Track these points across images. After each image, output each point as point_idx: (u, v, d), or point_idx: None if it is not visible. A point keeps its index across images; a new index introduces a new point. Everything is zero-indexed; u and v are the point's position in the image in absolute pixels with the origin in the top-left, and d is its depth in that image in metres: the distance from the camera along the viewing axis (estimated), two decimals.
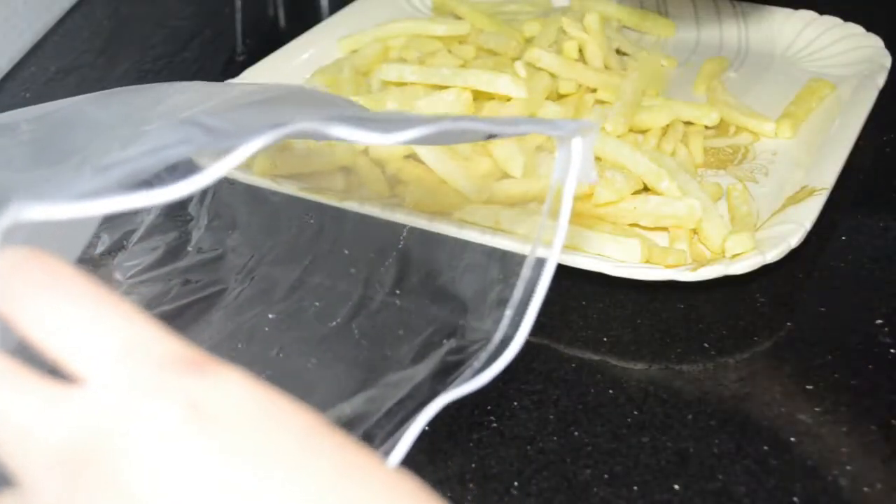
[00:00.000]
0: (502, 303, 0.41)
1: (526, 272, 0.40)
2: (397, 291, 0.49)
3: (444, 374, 0.42)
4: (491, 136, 0.35)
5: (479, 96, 0.59)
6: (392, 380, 0.43)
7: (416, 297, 0.48)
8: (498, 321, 0.41)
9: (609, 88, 0.61)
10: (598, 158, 0.55)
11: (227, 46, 0.77)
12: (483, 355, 0.41)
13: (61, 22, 0.79)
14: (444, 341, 0.45)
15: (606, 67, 0.63)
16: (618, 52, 0.66)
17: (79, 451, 0.22)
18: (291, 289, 0.49)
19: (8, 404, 0.22)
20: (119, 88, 0.39)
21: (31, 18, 0.76)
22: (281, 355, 0.45)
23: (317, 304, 0.48)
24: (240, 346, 0.46)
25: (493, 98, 0.59)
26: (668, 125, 0.59)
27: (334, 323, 0.47)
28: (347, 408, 0.41)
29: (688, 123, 0.59)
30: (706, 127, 0.59)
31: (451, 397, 0.37)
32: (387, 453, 0.35)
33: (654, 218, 0.51)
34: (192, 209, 0.55)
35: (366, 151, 0.56)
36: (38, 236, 0.24)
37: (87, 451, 0.22)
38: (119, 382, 0.22)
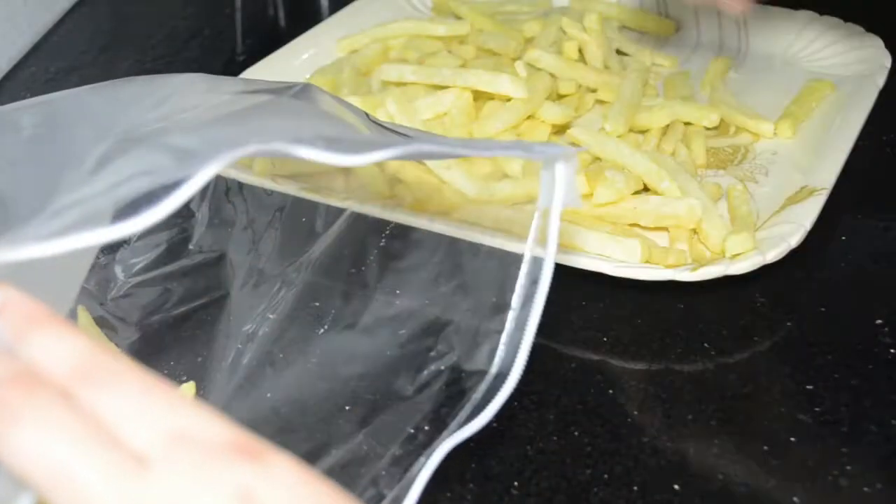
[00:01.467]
0: (497, 333, 0.41)
1: (517, 302, 0.40)
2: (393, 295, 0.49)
3: (445, 410, 0.42)
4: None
5: (480, 96, 0.59)
6: (393, 414, 0.42)
7: (410, 319, 0.48)
8: (493, 351, 0.41)
9: (609, 88, 0.61)
10: (598, 158, 0.55)
11: (227, 46, 0.77)
12: (482, 387, 0.41)
13: (61, 22, 0.79)
14: (443, 367, 0.44)
15: (606, 67, 0.63)
16: (618, 52, 0.66)
17: None
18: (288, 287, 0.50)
19: (78, 463, 0.22)
20: (123, 80, 0.39)
21: (31, 18, 0.76)
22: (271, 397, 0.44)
23: (315, 304, 0.48)
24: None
25: (493, 98, 0.59)
26: (667, 125, 0.59)
27: (322, 330, 0.47)
28: (348, 453, 0.41)
29: (687, 124, 0.59)
30: (706, 128, 0.59)
31: (453, 442, 0.37)
32: (397, 500, 0.36)
33: (654, 218, 0.51)
34: (193, 205, 0.55)
35: None
36: (35, 284, 0.25)
37: None
38: (174, 467, 0.23)
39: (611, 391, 0.44)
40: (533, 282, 0.39)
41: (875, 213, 0.55)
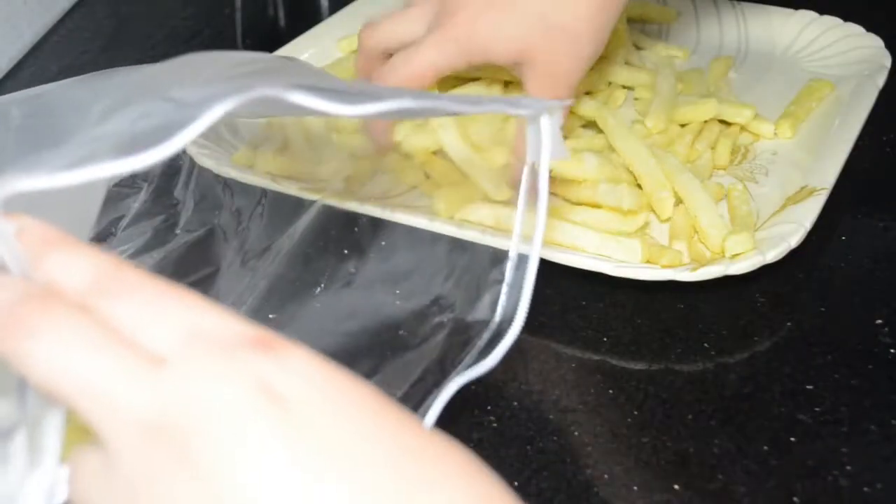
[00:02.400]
0: (497, 282, 0.41)
1: (514, 252, 0.41)
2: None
3: (451, 356, 0.43)
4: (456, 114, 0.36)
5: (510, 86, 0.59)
6: (400, 363, 0.43)
7: (410, 277, 0.49)
8: (495, 301, 0.42)
9: (642, 84, 0.61)
10: (613, 149, 0.55)
11: (227, 46, 0.77)
12: (486, 334, 0.41)
13: (61, 22, 0.79)
14: (445, 320, 0.45)
15: (627, 63, 0.63)
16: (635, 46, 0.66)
17: (157, 425, 0.23)
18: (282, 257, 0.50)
19: (99, 368, 0.23)
20: (114, 69, 0.39)
21: (31, 18, 0.76)
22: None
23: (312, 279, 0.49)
24: None
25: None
26: (705, 123, 0.58)
27: (318, 290, 0.47)
28: None
29: (721, 122, 0.59)
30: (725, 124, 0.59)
31: (462, 381, 0.37)
32: None
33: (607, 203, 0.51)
34: (178, 193, 0.56)
35: (396, 147, 0.57)
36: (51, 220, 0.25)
37: (164, 427, 0.22)
38: (192, 363, 0.23)
39: (611, 391, 0.44)
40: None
41: (875, 213, 0.55)
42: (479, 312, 0.44)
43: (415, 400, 0.40)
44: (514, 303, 0.38)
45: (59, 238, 0.25)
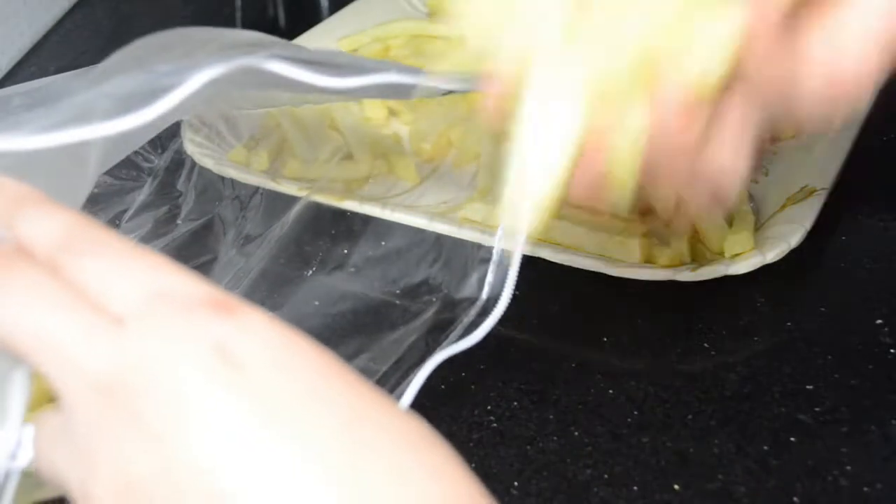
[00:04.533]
0: (485, 261, 0.42)
1: (501, 230, 0.41)
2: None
3: (438, 332, 0.43)
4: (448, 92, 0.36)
5: None
6: (387, 340, 0.43)
7: (400, 257, 0.49)
8: (482, 279, 0.42)
9: None
10: None
11: None
12: (472, 311, 0.41)
13: (61, 22, 0.79)
14: (434, 298, 0.45)
15: None
16: None
17: (113, 383, 0.23)
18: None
19: (58, 326, 0.23)
20: (112, 63, 0.39)
21: (31, 18, 0.76)
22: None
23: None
24: None
25: None
26: None
27: (310, 272, 0.48)
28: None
29: None
30: None
31: (446, 354, 0.38)
32: None
33: None
34: (180, 185, 0.56)
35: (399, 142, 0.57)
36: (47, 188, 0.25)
37: (118, 385, 0.23)
38: (150, 323, 0.23)
39: (611, 391, 0.44)
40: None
41: (875, 213, 0.55)
42: (466, 290, 0.44)
43: (397, 375, 0.41)
44: (500, 280, 0.39)
45: (33, 196, 0.25)
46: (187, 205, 0.55)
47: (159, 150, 0.59)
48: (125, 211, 0.55)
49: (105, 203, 0.55)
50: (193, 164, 0.57)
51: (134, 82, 0.28)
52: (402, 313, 0.45)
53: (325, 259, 0.49)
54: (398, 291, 0.47)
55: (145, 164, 0.58)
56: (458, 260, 0.46)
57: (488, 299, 0.42)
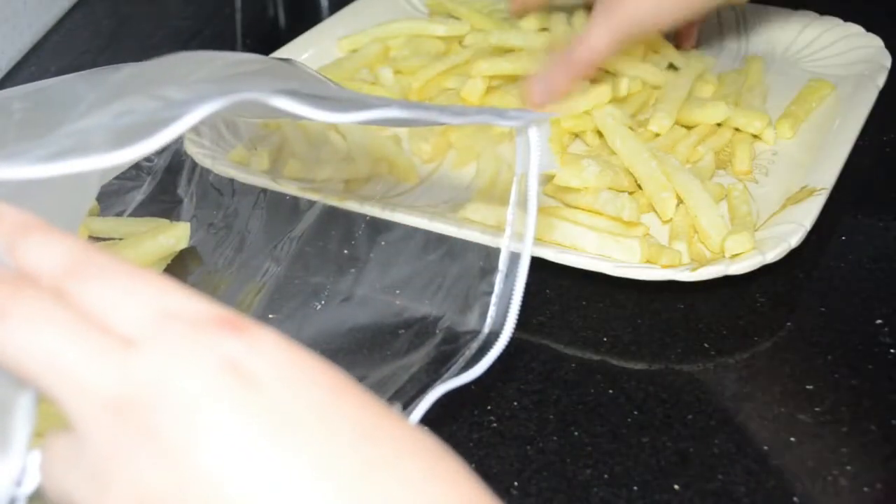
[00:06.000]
0: (487, 294, 0.42)
1: (503, 265, 0.41)
2: (378, 286, 0.49)
3: (439, 364, 0.43)
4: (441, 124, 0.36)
5: None
6: (388, 370, 0.43)
7: (404, 288, 0.49)
8: (484, 313, 0.42)
9: (648, 81, 0.61)
10: (613, 153, 0.55)
11: (227, 46, 0.77)
12: (474, 345, 0.42)
13: (61, 22, 0.79)
14: (437, 331, 0.45)
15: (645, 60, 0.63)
16: None
17: (125, 402, 0.23)
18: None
19: (67, 348, 0.23)
20: (113, 66, 0.39)
21: (31, 18, 0.76)
22: None
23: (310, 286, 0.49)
24: None
25: None
26: (718, 126, 0.58)
27: (319, 305, 0.48)
28: None
29: (736, 130, 0.59)
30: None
31: (447, 387, 0.38)
32: None
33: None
34: (180, 191, 0.56)
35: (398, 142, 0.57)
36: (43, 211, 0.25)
37: (130, 405, 0.23)
38: (161, 342, 0.23)
39: (611, 391, 0.44)
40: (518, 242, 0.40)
41: (875, 213, 0.55)
42: (468, 323, 0.44)
43: (398, 406, 0.41)
44: (502, 314, 0.39)
45: (34, 224, 0.25)
46: (187, 213, 0.55)
47: (159, 150, 0.59)
48: (124, 211, 0.55)
49: (104, 203, 0.55)
50: (194, 164, 0.56)
51: (136, 113, 0.27)
52: (405, 344, 0.45)
53: (333, 291, 0.49)
54: (403, 322, 0.47)
55: (145, 164, 0.58)
56: (460, 290, 0.46)
57: (490, 333, 0.42)
